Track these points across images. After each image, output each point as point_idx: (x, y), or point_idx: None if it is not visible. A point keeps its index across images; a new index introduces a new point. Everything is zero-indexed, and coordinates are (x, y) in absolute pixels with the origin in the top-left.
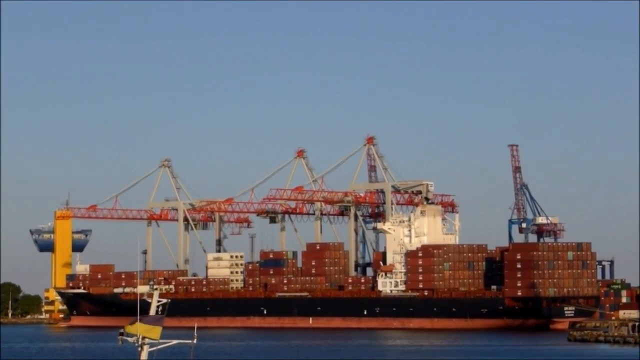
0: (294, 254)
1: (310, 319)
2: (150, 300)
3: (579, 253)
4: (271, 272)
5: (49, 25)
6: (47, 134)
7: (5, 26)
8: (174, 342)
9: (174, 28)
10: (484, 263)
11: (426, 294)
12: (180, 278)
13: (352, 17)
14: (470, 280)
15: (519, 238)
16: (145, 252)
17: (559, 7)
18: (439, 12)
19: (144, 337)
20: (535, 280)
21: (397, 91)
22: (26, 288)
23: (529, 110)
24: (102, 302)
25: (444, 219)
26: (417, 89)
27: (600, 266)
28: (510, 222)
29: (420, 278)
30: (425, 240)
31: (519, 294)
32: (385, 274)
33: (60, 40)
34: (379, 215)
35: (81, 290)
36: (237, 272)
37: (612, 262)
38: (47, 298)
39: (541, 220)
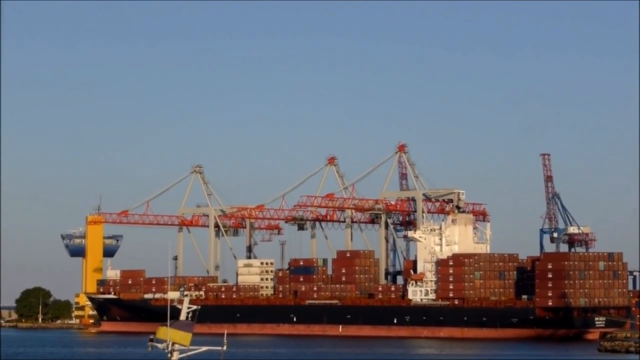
0: (324, 261)
1: (340, 326)
2: (180, 307)
3: (610, 263)
4: (301, 279)
5: (77, 27)
6: (79, 138)
7: (35, 29)
8: (204, 348)
9: (206, 31)
10: (515, 272)
11: (456, 303)
12: (211, 284)
13: (386, 24)
14: (501, 290)
15: (550, 247)
16: (175, 258)
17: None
18: (472, 20)
19: (174, 343)
20: (566, 290)
21: (429, 99)
22: (56, 293)
23: (562, 118)
24: (132, 307)
25: (475, 228)
26: (449, 97)
27: (632, 276)
28: (542, 231)
29: (451, 287)
30: (456, 249)
31: (550, 303)
32: (416, 283)
33: (89, 44)
34: (409, 223)
35: (111, 296)
36: (267, 279)
37: None
38: (77, 303)
39: (573, 229)
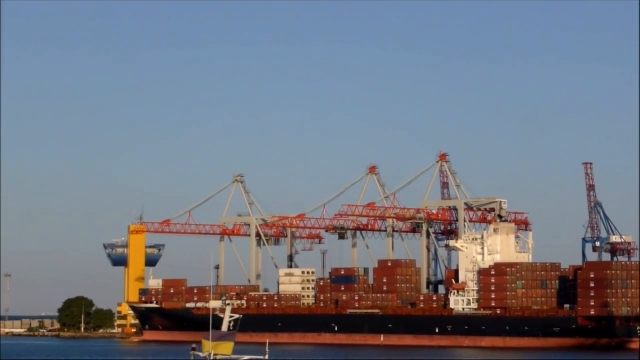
0: (366, 270)
1: (382, 336)
2: (222, 316)
3: None
4: (342, 288)
5: (106, 36)
6: (122, 149)
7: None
8: (246, 357)
9: (246, 38)
10: (557, 282)
11: (499, 312)
12: (252, 293)
13: (426, 35)
14: (543, 299)
15: (592, 257)
16: (217, 267)
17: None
18: (511, 29)
19: (216, 353)
20: (608, 300)
21: (471, 108)
22: (99, 302)
23: (603, 128)
24: (174, 317)
25: (517, 237)
26: (491, 106)
27: None
28: (584, 240)
29: (493, 296)
30: (498, 259)
31: (592, 313)
32: (458, 292)
33: (127, 49)
34: (451, 232)
35: (154, 305)
36: (308, 288)
37: None
38: (119, 312)
39: (615, 239)
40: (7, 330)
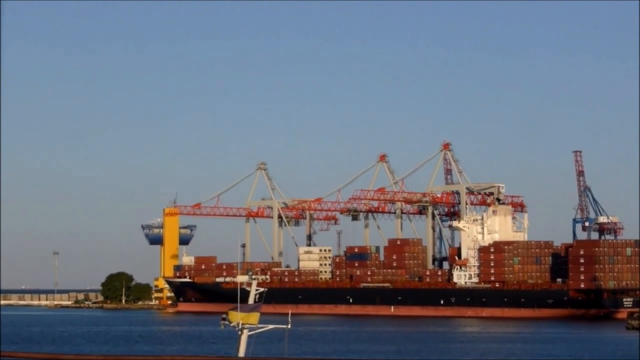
0: (377, 248)
1: (392, 307)
2: (249, 289)
3: (637, 249)
4: (356, 264)
5: (128, 28)
6: (157, 139)
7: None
8: (270, 326)
9: (264, 31)
10: (550, 258)
11: (497, 285)
12: (275, 269)
13: (430, 26)
14: (537, 274)
15: (582, 235)
16: (243, 246)
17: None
18: (509, 20)
19: (243, 322)
20: (596, 274)
21: (473, 101)
22: (138, 277)
23: (593, 119)
24: (205, 290)
25: (513, 218)
26: (491, 98)
27: None
28: (575, 220)
29: (492, 271)
30: (496, 237)
31: (582, 286)
32: (460, 268)
33: (161, 42)
34: (454, 214)
35: (187, 280)
36: (325, 265)
37: None
38: (156, 286)
39: (602, 219)
40: (56, 302)
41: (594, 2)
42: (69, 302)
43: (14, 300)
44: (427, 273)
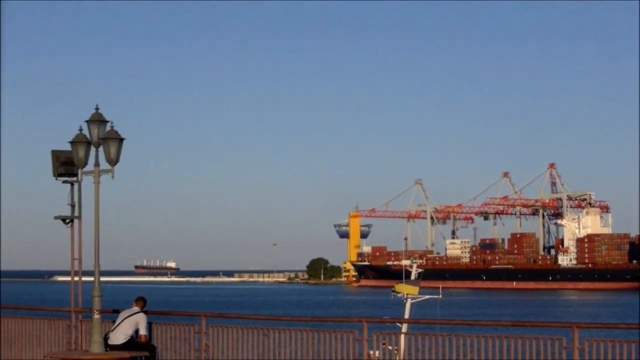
0: (503, 240)
1: (514, 282)
2: (410, 270)
3: None
4: (488, 252)
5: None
6: (346, 162)
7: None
8: (427, 297)
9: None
10: (628, 245)
11: (590, 266)
12: (429, 255)
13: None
14: (619, 257)
15: None
16: (406, 239)
17: None
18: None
19: (407, 293)
20: None
21: (575, 122)
22: (332, 261)
23: None
24: (379, 270)
25: (601, 217)
26: (592, 122)
27: None
28: None
29: (586, 256)
30: (589, 231)
31: None
32: (563, 253)
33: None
34: (558, 214)
35: (366, 263)
36: (465, 252)
37: None
38: (345, 268)
39: None
40: (274, 279)
41: None
42: (284, 279)
43: (245, 277)
44: (539, 257)
